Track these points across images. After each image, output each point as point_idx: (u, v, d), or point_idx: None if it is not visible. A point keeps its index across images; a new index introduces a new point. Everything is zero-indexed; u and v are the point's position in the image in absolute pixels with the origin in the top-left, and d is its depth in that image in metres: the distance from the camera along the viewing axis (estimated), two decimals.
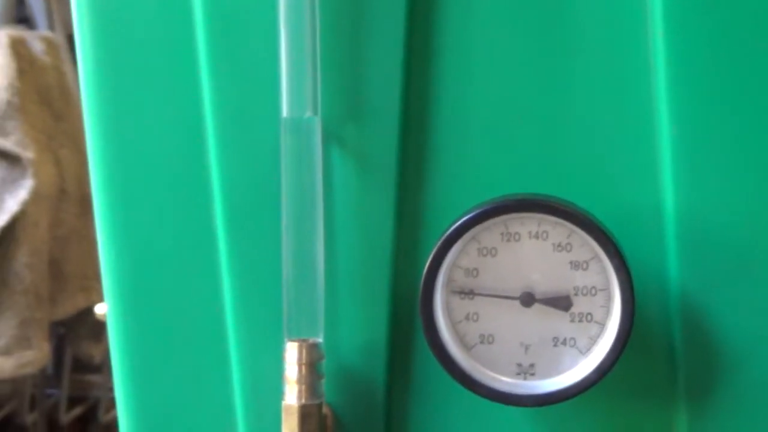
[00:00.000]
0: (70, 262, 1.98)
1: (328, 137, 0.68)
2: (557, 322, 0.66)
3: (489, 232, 0.65)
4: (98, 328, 1.98)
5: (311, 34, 0.65)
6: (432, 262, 0.65)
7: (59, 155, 1.94)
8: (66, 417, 2.34)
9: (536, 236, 0.65)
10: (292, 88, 0.66)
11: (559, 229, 0.65)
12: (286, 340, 0.68)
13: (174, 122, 0.70)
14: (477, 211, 0.64)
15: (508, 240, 0.65)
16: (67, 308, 1.99)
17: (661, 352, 0.69)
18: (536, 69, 0.68)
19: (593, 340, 0.66)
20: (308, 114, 0.66)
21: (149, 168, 0.71)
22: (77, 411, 2.38)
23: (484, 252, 0.66)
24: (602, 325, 0.65)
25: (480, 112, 0.69)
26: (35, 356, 1.89)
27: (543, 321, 0.66)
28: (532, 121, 0.68)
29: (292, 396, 0.67)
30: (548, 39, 0.68)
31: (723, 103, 0.66)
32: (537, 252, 0.65)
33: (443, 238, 0.65)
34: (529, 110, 0.68)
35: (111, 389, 0.76)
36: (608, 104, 0.68)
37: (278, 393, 0.68)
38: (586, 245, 0.65)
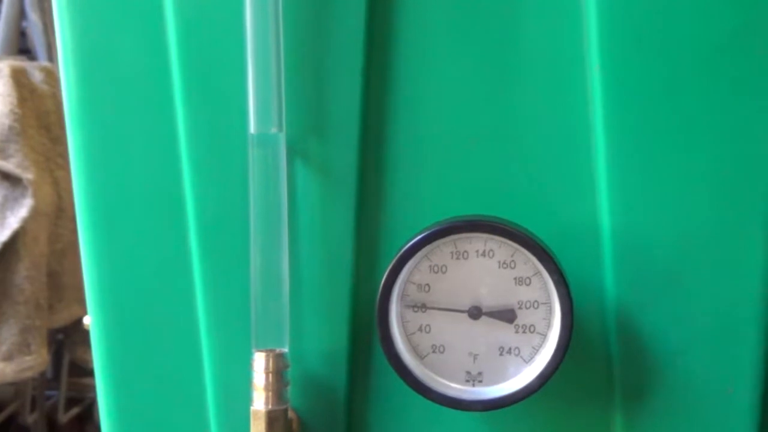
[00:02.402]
0: (67, 274, 1.97)
1: (292, 152, 0.68)
2: (503, 333, 0.65)
3: (440, 251, 0.65)
4: None
5: (276, 56, 0.65)
6: (387, 278, 0.65)
7: (57, 176, 1.93)
8: (64, 417, 2.32)
9: (483, 254, 0.65)
10: (259, 106, 0.66)
11: (504, 248, 0.65)
12: (254, 350, 0.67)
13: (150, 145, 0.70)
14: (428, 232, 0.64)
15: (458, 258, 0.65)
16: (64, 317, 1.98)
17: (598, 360, 0.69)
18: (484, 99, 0.68)
19: (536, 350, 0.65)
20: (274, 130, 0.66)
21: (127, 188, 0.71)
22: (75, 411, 2.37)
23: (435, 269, 0.65)
24: (544, 336, 0.65)
25: (432, 137, 0.69)
26: (35, 361, 1.87)
27: (490, 332, 0.66)
28: (479, 146, 0.68)
29: (259, 402, 0.67)
30: (494, 70, 0.68)
31: (654, 129, 0.66)
32: (484, 269, 0.65)
33: (397, 256, 0.65)
34: (477, 137, 0.68)
35: None
36: (549, 132, 0.68)
37: (247, 399, 0.68)
38: (529, 262, 0.65)
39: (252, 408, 0.67)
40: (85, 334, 2.09)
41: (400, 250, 0.65)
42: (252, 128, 0.66)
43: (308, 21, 0.67)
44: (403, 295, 0.66)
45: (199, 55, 0.68)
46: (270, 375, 0.67)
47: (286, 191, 0.67)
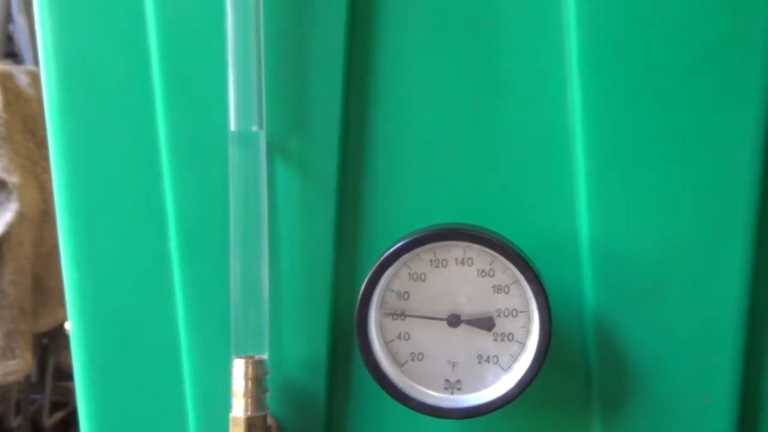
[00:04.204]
0: (52, 278, 1.96)
1: (273, 150, 0.68)
2: (481, 341, 0.65)
3: (419, 259, 0.65)
4: None
5: (256, 52, 0.65)
6: (367, 285, 0.65)
7: (42, 180, 1.92)
8: (49, 421, 2.31)
9: (462, 262, 0.65)
10: (239, 103, 0.66)
11: (483, 256, 0.65)
12: (233, 356, 0.67)
13: (130, 146, 0.70)
14: (408, 240, 0.64)
15: (437, 266, 0.65)
16: (49, 321, 1.97)
17: (577, 367, 0.69)
18: (464, 106, 0.68)
19: (514, 358, 0.65)
20: (254, 128, 0.66)
21: (107, 191, 0.71)
22: (59, 415, 2.36)
23: (414, 277, 0.65)
24: (522, 344, 0.65)
25: (412, 143, 0.69)
26: (19, 365, 1.86)
27: (468, 340, 0.65)
28: (459, 154, 0.68)
29: (239, 408, 0.67)
30: (474, 82, 0.68)
31: (634, 139, 0.66)
32: (463, 277, 0.65)
33: (377, 263, 0.64)
34: (457, 144, 0.68)
35: None
36: (529, 141, 0.68)
37: (227, 405, 0.67)
38: (508, 271, 0.65)
39: (231, 414, 0.67)
40: (69, 338, 2.09)
41: (379, 257, 0.65)
42: (232, 125, 0.66)
43: (289, 18, 0.67)
44: (382, 303, 0.66)
45: (179, 54, 0.68)
46: (249, 381, 0.67)
47: (266, 189, 0.67)
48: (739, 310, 0.67)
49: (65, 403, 2.38)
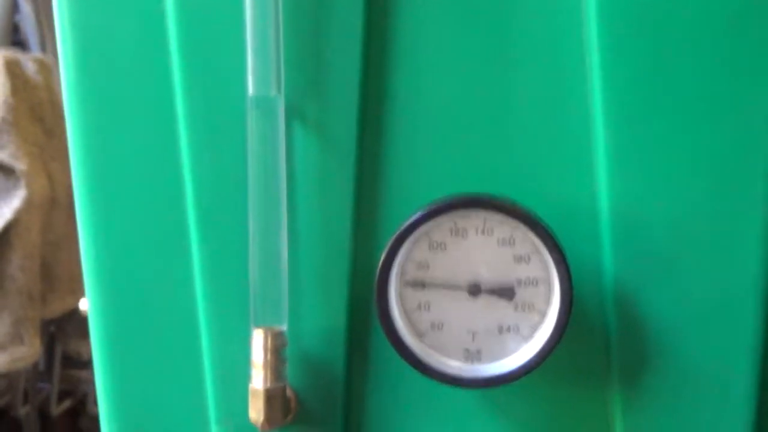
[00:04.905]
0: (59, 265, 1.96)
1: (291, 115, 0.67)
2: (502, 310, 0.65)
3: (439, 228, 0.65)
4: (85, 326, 1.96)
5: (275, 17, 0.65)
6: (386, 256, 0.65)
7: (50, 167, 1.92)
8: (57, 410, 2.31)
9: (482, 232, 0.65)
10: (257, 67, 0.65)
11: (503, 226, 0.65)
12: (252, 328, 0.67)
13: (148, 120, 0.69)
14: (427, 209, 0.64)
15: (457, 235, 0.65)
16: (57, 308, 1.97)
17: (597, 338, 0.69)
18: (482, 77, 0.68)
19: (535, 328, 0.65)
20: (273, 92, 0.66)
21: (125, 166, 0.70)
22: (67, 404, 2.36)
23: (435, 246, 0.65)
24: (543, 314, 0.65)
25: (432, 110, 0.68)
26: (27, 352, 1.86)
27: (489, 310, 0.65)
28: (479, 123, 0.68)
29: (258, 380, 0.67)
30: (493, 49, 0.67)
31: (653, 110, 0.66)
32: (483, 246, 0.65)
33: (396, 234, 0.64)
34: (476, 115, 0.68)
35: None
36: (548, 112, 0.68)
37: (245, 378, 0.67)
38: (528, 240, 0.65)
39: (250, 386, 0.67)
40: (77, 325, 2.09)
41: (399, 227, 0.64)
42: (250, 90, 0.65)
43: None
44: (402, 273, 0.65)
45: (196, 19, 0.67)
46: (268, 353, 0.67)
47: (284, 155, 0.66)
48: (759, 279, 0.67)
49: (73, 392, 2.38)
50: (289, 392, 0.68)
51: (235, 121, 0.67)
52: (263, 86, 0.65)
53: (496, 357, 0.66)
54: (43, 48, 2.13)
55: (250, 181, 0.66)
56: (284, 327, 0.67)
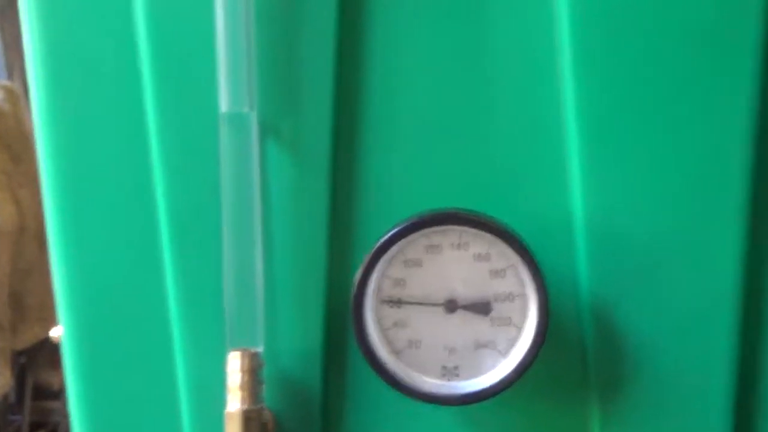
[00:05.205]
0: (30, 294, 1.94)
1: (265, 131, 0.67)
2: (478, 326, 0.65)
3: (414, 245, 0.65)
4: (57, 356, 1.95)
5: (246, 33, 0.65)
6: (362, 274, 0.64)
7: (19, 195, 1.91)
8: None
9: (458, 247, 0.65)
10: (230, 84, 0.65)
11: (478, 240, 0.65)
12: (228, 349, 0.66)
13: (120, 141, 0.69)
14: (402, 226, 0.64)
15: (432, 251, 0.65)
16: (27, 338, 1.95)
17: (574, 351, 0.69)
18: (456, 94, 0.68)
19: (512, 343, 0.65)
20: (245, 109, 0.65)
21: (97, 188, 0.70)
22: None
23: (410, 263, 0.65)
24: (520, 328, 0.65)
25: (405, 125, 0.68)
26: None
27: (465, 326, 0.65)
28: (453, 140, 0.68)
29: (234, 402, 0.66)
30: (467, 67, 0.68)
31: (627, 122, 0.66)
32: (459, 262, 0.65)
33: (371, 251, 0.64)
34: (450, 130, 0.68)
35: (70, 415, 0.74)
36: (522, 124, 0.68)
37: (221, 400, 0.67)
38: (504, 255, 0.65)
39: (226, 410, 0.66)
40: (48, 355, 2.07)
41: (374, 244, 0.64)
42: (223, 107, 0.65)
43: (279, 0, 0.67)
44: (378, 290, 0.65)
45: (168, 35, 0.67)
46: (245, 374, 0.66)
47: (258, 172, 0.66)
48: (735, 291, 0.67)
49: (45, 424, 2.35)
50: (266, 414, 0.68)
51: (207, 139, 0.67)
52: (236, 103, 0.65)
53: (473, 373, 0.66)
54: (11, 75, 2.12)
55: (224, 200, 0.65)
56: (260, 348, 0.67)
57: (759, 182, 0.67)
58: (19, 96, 1.99)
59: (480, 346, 0.65)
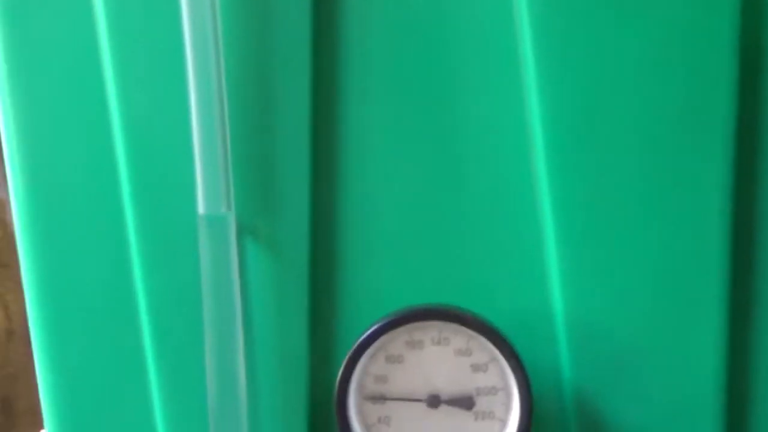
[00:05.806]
0: (19, 399, 1.93)
1: (243, 232, 0.68)
2: (462, 420, 0.65)
3: (394, 341, 0.65)
4: None
5: (222, 136, 0.65)
6: (344, 371, 0.64)
7: (6, 300, 1.90)
8: None
9: (438, 342, 0.65)
10: (207, 186, 0.65)
11: (459, 335, 0.65)
12: None
13: (100, 248, 0.70)
14: (382, 323, 0.64)
15: (413, 347, 0.65)
16: None
17: None
18: (431, 190, 0.69)
19: None
20: (223, 210, 0.66)
21: (79, 292, 0.70)
22: None
23: (392, 359, 0.65)
24: (504, 422, 0.65)
25: (383, 226, 0.69)
26: None
27: (449, 420, 0.65)
28: (430, 236, 0.69)
29: None
30: (440, 158, 0.68)
31: (605, 214, 0.67)
32: (440, 357, 0.65)
33: (352, 349, 0.64)
34: (427, 227, 0.69)
35: None
36: (498, 222, 0.69)
37: None
38: (485, 349, 0.65)
39: None
40: None
41: (355, 341, 0.65)
42: (200, 209, 0.66)
43: (254, 102, 0.68)
44: (360, 387, 0.65)
45: (144, 144, 0.68)
46: None
47: (237, 273, 0.66)
48: (718, 381, 0.67)
49: None
50: None
51: (186, 240, 0.67)
52: (213, 204, 0.66)
53: None
54: None
55: (205, 301, 0.66)
56: None
57: (737, 271, 0.67)
58: (4, 204, 2.00)
59: None
